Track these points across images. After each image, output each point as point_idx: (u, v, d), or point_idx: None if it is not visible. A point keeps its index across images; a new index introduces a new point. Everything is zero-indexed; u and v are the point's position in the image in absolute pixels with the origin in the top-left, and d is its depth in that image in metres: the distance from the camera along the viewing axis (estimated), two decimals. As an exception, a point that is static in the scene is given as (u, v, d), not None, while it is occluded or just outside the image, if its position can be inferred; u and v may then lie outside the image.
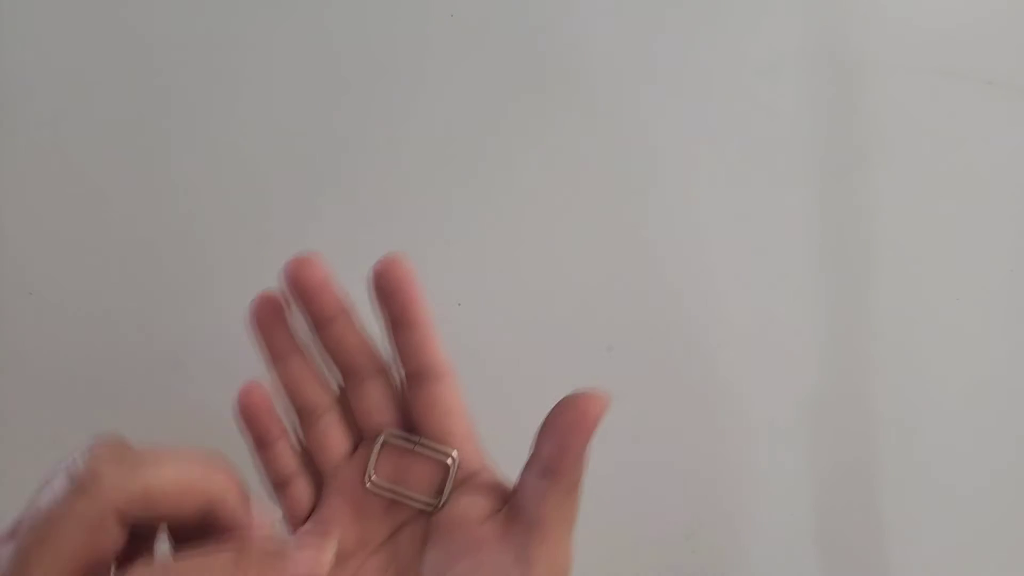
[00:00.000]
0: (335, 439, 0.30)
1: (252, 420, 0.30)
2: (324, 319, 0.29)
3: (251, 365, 0.44)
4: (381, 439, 0.29)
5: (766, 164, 0.46)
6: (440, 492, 0.29)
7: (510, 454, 0.43)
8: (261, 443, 0.30)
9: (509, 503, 0.28)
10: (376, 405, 0.30)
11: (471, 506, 0.29)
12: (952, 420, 0.45)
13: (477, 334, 0.45)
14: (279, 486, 0.30)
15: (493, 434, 0.44)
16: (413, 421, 0.29)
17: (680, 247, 0.46)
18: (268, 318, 0.29)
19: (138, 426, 0.44)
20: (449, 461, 0.29)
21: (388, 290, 0.28)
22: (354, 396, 0.30)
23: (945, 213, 0.46)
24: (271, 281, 0.45)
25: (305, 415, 0.30)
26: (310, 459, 0.30)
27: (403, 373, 0.29)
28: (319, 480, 0.30)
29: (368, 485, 0.29)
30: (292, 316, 0.29)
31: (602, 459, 0.44)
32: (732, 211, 0.46)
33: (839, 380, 0.45)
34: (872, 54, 0.47)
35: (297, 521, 0.30)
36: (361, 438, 0.30)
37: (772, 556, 0.44)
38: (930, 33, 0.47)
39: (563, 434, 0.26)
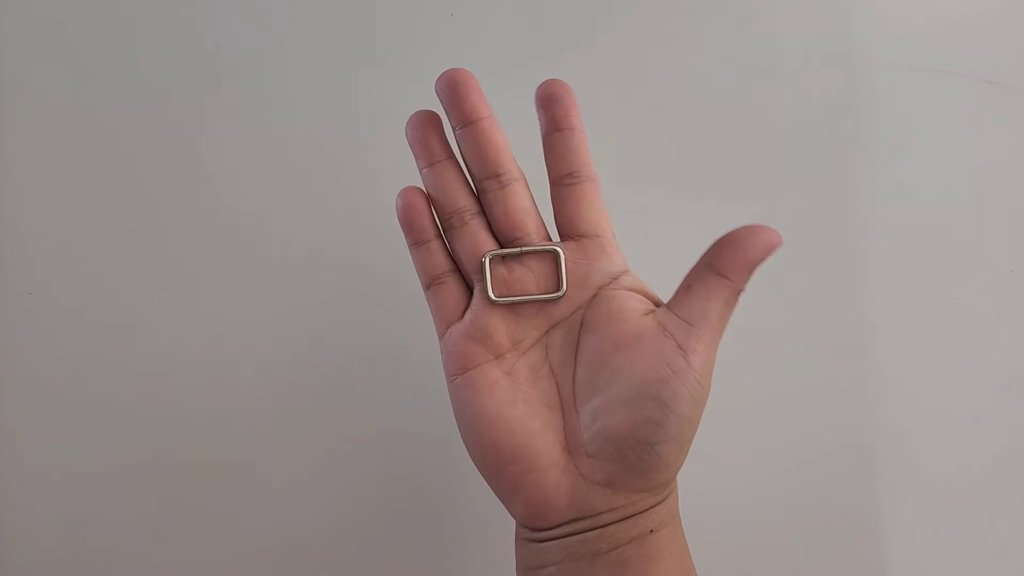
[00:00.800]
0: (485, 240, 0.32)
1: (410, 218, 0.32)
2: (473, 118, 0.31)
3: (250, 365, 0.44)
4: (487, 258, 0.31)
5: (765, 164, 0.46)
6: (559, 284, 0.31)
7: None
8: (418, 241, 0.32)
9: (673, 301, 0.31)
10: (523, 206, 0.32)
11: (627, 300, 0.31)
12: (952, 420, 0.45)
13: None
14: (433, 284, 0.32)
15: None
16: (564, 219, 0.32)
17: (678, 247, 0.45)
18: (424, 125, 0.32)
19: (138, 426, 0.44)
20: (558, 250, 0.31)
21: (553, 97, 0.31)
22: (497, 200, 0.32)
23: (945, 213, 0.46)
24: (270, 281, 0.45)
25: (456, 218, 0.32)
26: (460, 261, 0.32)
27: (555, 175, 0.32)
28: (468, 283, 0.32)
29: (494, 299, 0.31)
30: (444, 129, 0.32)
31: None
32: (730, 211, 0.46)
33: (838, 380, 0.45)
34: (872, 54, 0.47)
35: (448, 320, 0.32)
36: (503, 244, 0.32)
37: (772, 556, 0.44)
38: (930, 33, 0.47)
39: (745, 247, 0.29)
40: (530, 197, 0.32)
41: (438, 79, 0.31)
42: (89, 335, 0.44)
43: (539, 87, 0.32)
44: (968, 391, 0.45)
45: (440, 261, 0.32)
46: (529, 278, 0.31)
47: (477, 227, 0.32)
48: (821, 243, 0.46)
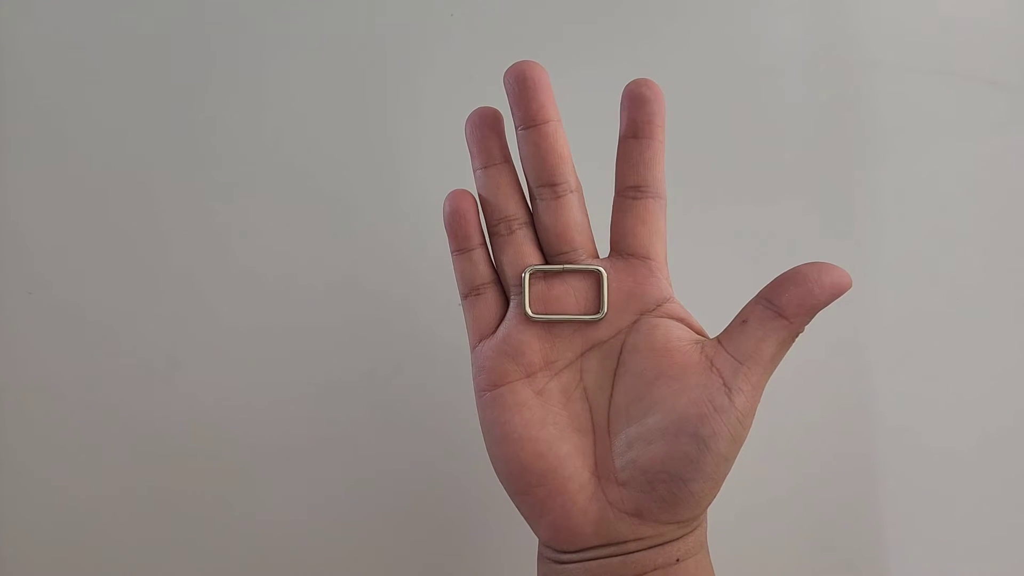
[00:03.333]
0: (529, 253, 0.31)
1: (456, 224, 0.31)
2: (540, 119, 0.29)
3: (250, 364, 0.44)
4: (528, 274, 0.30)
5: (765, 164, 0.46)
6: (600, 306, 0.30)
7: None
8: (461, 248, 0.31)
9: (725, 335, 0.29)
10: (574, 221, 0.30)
11: (673, 329, 0.30)
12: (951, 420, 0.45)
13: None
14: (471, 294, 0.31)
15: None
16: (619, 234, 0.30)
17: (679, 247, 0.45)
18: (485, 124, 0.30)
19: (137, 426, 0.44)
20: (601, 271, 0.30)
21: (640, 99, 0.29)
22: (549, 210, 0.30)
23: (945, 213, 0.46)
24: (268, 280, 0.45)
25: (504, 225, 0.31)
26: (502, 271, 0.31)
27: (623, 184, 0.30)
28: (507, 296, 0.31)
29: (531, 315, 0.30)
30: (505, 130, 0.30)
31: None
32: (731, 211, 0.46)
33: (838, 380, 0.45)
34: (872, 54, 0.47)
35: (482, 333, 0.31)
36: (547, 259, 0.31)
37: (772, 556, 0.44)
38: (930, 33, 0.47)
39: (812, 287, 0.28)
40: (583, 211, 0.31)
41: (507, 71, 0.29)
42: (89, 336, 0.44)
43: (629, 84, 0.30)
44: (968, 392, 0.45)
45: (482, 271, 0.31)
46: (570, 296, 0.30)
47: (523, 238, 0.31)
48: (821, 243, 0.46)
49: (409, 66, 0.46)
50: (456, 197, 0.31)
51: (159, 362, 0.44)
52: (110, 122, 0.46)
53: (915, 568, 0.44)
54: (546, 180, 0.30)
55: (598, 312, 0.30)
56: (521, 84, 0.29)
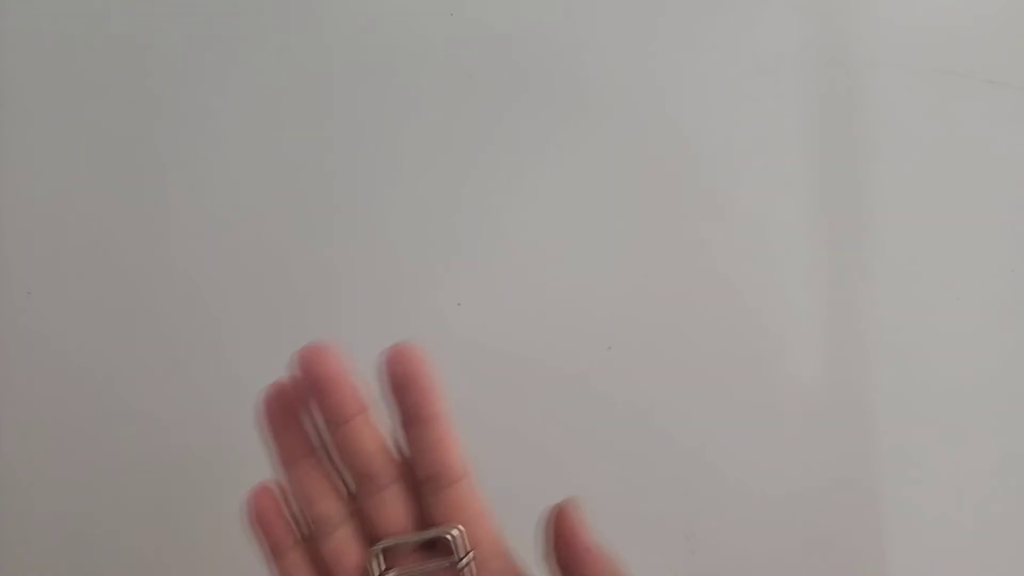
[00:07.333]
0: (352, 554, 0.27)
1: (263, 528, 0.27)
2: (340, 418, 0.26)
3: (250, 361, 0.44)
4: (378, 548, 0.27)
5: (766, 164, 0.46)
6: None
7: (509, 454, 0.43)
8: (274, 553, 0.27)
9: None
10: (393, 515, 0.27)
11: None
12: (951, 420, 0.45)
13: (477, 334, 0.45)
14: None
15: (492, 434, 0.44)
16: (433, 525, 0.27)
17: (679, 247, 0.46)
18: (280, 416, 0.27)
19: (137, 425, 0.44)
20: (450, 536, 0.27)
21: (401, 381, 0.26)
22: (370, 504, 0.27)
23: (945, 212, 0.46)
24: (267, 276, 0.45)
25: (320, 526, 0.27)
26: (326, 569, 0.27)
27: (419, 474, 0.27)
28: None
29: None
30: (304, 413, 0.27)
31: (602, 459, 0.45)
32: (732, 211, 0.46)
33: (839, 380, 0.45)
34: (872, 54, 0.47)
35: None
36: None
37: (772, 556, 0.44)
38: (930, 33, 0.47)
39: (563, 537, 0.27)
40: (408, 497, 0.27)
41: (298, 356, 0.26)
42: (89, 335, 0.44)
43: (384, 357, 0.26)
44: (967, 391, 0.45)
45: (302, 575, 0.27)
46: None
47: (344, 537, 0.27)
48: (820, 243, 0.46)
49: (409, 65, 0.46)
50: (254, 497, 0.27)
51: (160, 360, 0.44)
52: (107, 122, 0.46)
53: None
54: (360, 473, 0.27)
55: None
56: (314, 378, 0.26)
